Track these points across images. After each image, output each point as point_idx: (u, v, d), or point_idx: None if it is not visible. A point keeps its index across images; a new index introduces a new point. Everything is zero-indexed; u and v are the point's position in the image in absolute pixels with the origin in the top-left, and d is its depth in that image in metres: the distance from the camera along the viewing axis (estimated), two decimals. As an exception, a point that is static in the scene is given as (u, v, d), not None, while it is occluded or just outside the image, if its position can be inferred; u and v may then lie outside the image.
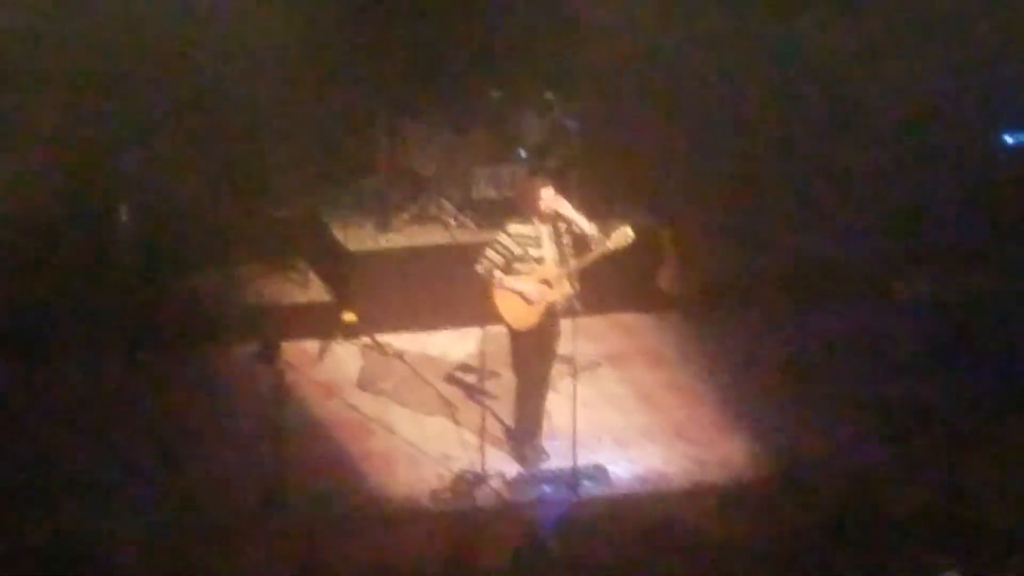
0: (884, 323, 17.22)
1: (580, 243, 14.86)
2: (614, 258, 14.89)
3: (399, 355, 16.65)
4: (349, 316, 16.76)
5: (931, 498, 13.93)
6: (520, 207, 14.92)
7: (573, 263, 14.75)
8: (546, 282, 14.74)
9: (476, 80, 17.93)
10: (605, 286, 15.93)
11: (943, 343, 16.71)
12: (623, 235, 14.65)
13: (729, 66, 18.55)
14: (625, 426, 15.75)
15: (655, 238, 17.14)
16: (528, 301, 14.76)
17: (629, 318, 17.41)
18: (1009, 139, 18.66)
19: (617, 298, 17.13)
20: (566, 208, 14.77)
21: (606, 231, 14.79)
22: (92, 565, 13.05)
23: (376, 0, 18.09)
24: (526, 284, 14.74)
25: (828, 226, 18.10)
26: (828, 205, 18.25)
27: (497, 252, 14.76)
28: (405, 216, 17.50)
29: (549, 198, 14.73)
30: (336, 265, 17.32)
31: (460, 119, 17.67)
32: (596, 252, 14.71)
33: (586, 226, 14.71)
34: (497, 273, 14.73)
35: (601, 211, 16.67)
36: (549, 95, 17.66)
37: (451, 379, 16.35)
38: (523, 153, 17.48)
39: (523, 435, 15.16)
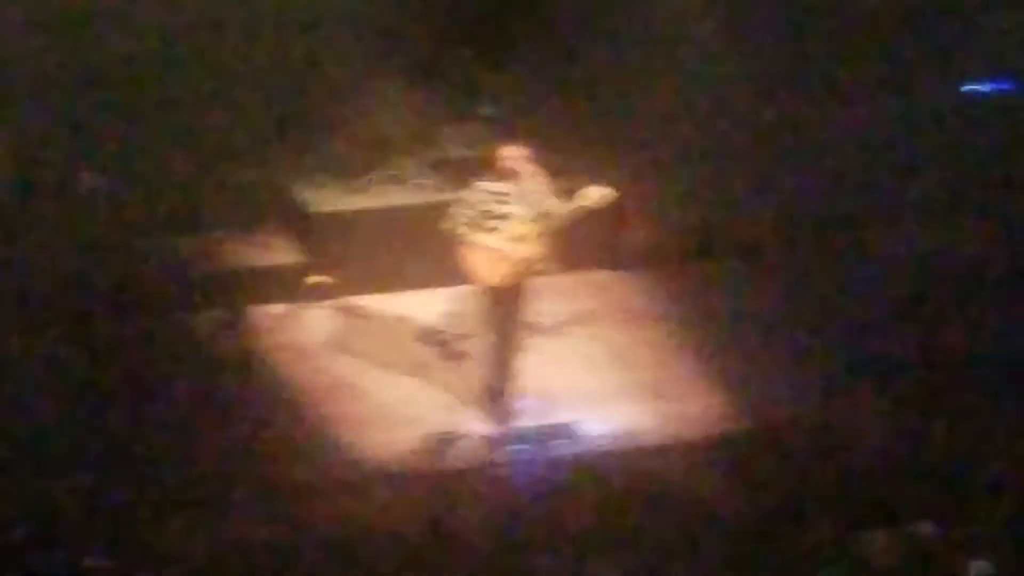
0: (852, 279, 17.22)
1: (553, 202, 14.98)
2: (587, 216, 15.06)
3: (368, 317, 16.74)
4: (316, 278, 16.87)
5: (899, 450, 14.04)
6: (489, 165, 15.05)
7: (547, 221, 14.90)
8: (515, 239, 14.90)
9: (444, 37, 17.97)
10: (577, 243, 15.96)
11: (912, 299, 16.73)
12: (599, 192, 14.85)
13: (698, 32, 18.63)
14: (597, 384, 15.80)
15: (622, 197, 16.60)
16: (496, 258, 14.88)
17: (600, 276, 17.50)
18: (975, 89, 18.74)
19: (588, 255, 17.23)
20: (530, 168, 14.98)
21: (582, 187, 14.97)
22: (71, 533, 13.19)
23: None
24: (496, 239, 14.90)
25: (799, 184, 18.10)
26: (798, 163, 18.24)
27: (467, 208, 14.91)
28: (371, 176, 17.58)
29: (519, 157, 14.96)
30: (302, 227, 17.34)
31: (426, 76, 17.75)
32: (573, 207, 14.86)
33: (547, 186, 14.97)
34: (466, 228, 14.88)
35: (568, 169, 16.65)
36: (517, 50, 17.79)
37: (422, 341, 16.38)
38: (490, 110, 17.65)
39: (495, 394, 15.27)
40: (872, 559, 12.69)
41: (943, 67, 18.86)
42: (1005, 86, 18.91)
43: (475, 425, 15.23)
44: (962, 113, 18.74)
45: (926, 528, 12.82)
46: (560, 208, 14.96)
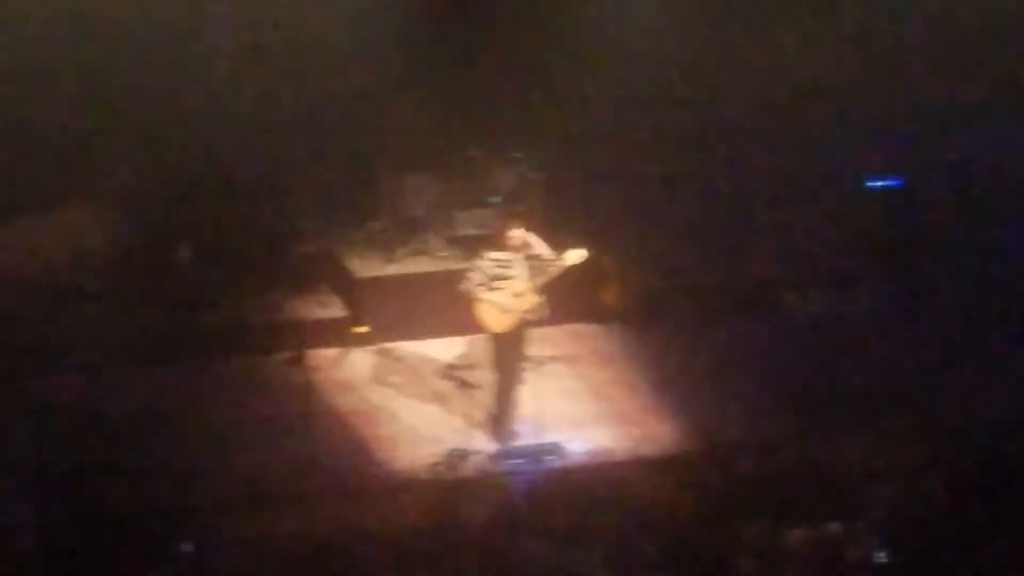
0: (781, 330, 17.18)
1: (544, 266, 14.93)
2: (571, 276, 15.01)
3: (400, 358, 16.65)
4: (361, 328, 16.78)
5: (820, 465, 13.95)
6: (496, 240, 15.03)
7: (539, 279, 14.84)
8: (517, 295, 14.86)
9: (459, 141, 17.90)
10: (563, 302, 15.86)
11: (827, 347, 16.66)
12: (577, 254, 14.83)
13: (652, 136, 18.64)
14: (579, 412, 15.73)
15: (600, 264, 17.04)
16: (503, 310, 14.87)
17: (582, 327, 17.35)
18: (872, 184, 18.58)
19: (573, 312, 17.06)
20: (533, 239, 14.90)
21: (563, 253, 14.91)
22: (165, 527, 13.09)
23: (380, 83, 18.12)
24: (502, 297, 14.85)
25: (739, 255, 18.02)
26: (736, 240, 18.16)
27: (478, 273, 14.86)
28: (404, 250, 17.52)
29: (518, 234, 14.88)
30: (350, 289, 17.28)
31: (446, 173, 17.68)
32: (557, 268, 14.82)
33: (546, 251, 14.87)
34: (478, 288, 14.81)
35: (558, 242, 16.77)
36: (517, 154, 17.74)
37: (442, 376, 16.30)
38: (496, 199, 17.51)
39: (499, 420, 15.19)
40: (793, 552, 12.34)
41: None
42: (895, 182, 18.68)
43: (483, 443, 15.17)
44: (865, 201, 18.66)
45: (835, 527, 12.60)
46: (548, 267, 14.91)
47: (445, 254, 17.45)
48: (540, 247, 14.95)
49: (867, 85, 19.01)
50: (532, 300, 14.88)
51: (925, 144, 18.90)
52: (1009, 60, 19.31)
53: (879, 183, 18.57)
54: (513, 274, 14.87)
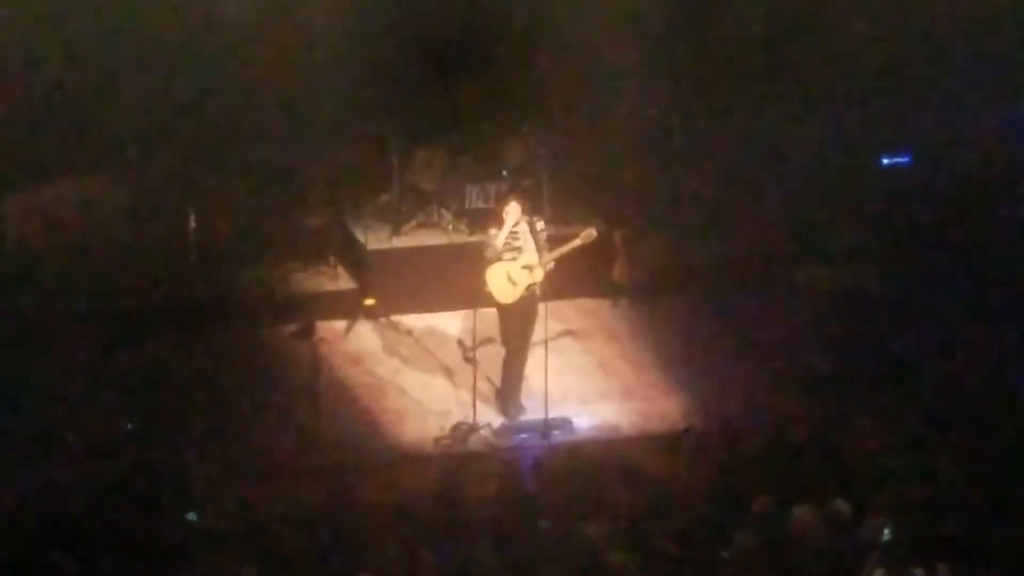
0: (788, 307, 17.09)
1: (554, 240, 15.07)
2: (581, 253, 15.12)
3: (408, 331, 16.65)
4: (369, 301, 16.77)
5: (827, 442, 13.88)
6: (497, 213, 15.10)
7: (548, 254, 14.91)
8: (526, 268, 14.91)
9: (469, 115, 17.86)
10: (572, 277, 15.97)
11: (834, 323, 16.62)
12: (588, 234, 14.95)
13: (661, 111, 18.57)
14: (586, 388, 15.79)
15: (609, 240, 17.08)
16: (511, 281, 14.90)
17: (590, 302, 17.32)
18: (885, 160, 18.62)
19: (581, 287, 17.05)
20: (538, 220, 15.03)
21: (576, 231, 15.07)
22: (172, 496, 13.06)
23: (390, 57, 17.97)
24: (510, 269, 14.89)
25: (747, 231, 17.93)
26: (747, 215, 18.06)
27: (488, 246, 14.92)
28: (413, 222, 17.45)
29: (515, 207, 14.93)
30: (359, 261, 17.27)
31: (456, 146, 17.65)
32: (568, 246, 14.95)
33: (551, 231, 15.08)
34: (487, 262, 14.85)
35: (567, 218, 16.84)
36: (526, 127, 17.66)
37: (450, 350, 16.28)
38: (505, 173, 17.45)
39: (507, 394, 15.23)
40: (799, 528, 12.29)
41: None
42: (905, 159, 18.62)
43: (491, 418, 15.18)
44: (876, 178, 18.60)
45: (841, 505, 12.46)
46: (553, 247, 15.03)
47: (454, 227, 17.37)
48: (545, 227, 15.04)
49: (879, 59, 18.87)
50: (539, 275, 14.91)
51: (935, 122, 18.79)
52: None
53: (889, 160, 18.54)
54: (522, 246, 14.91)
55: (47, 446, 14.22)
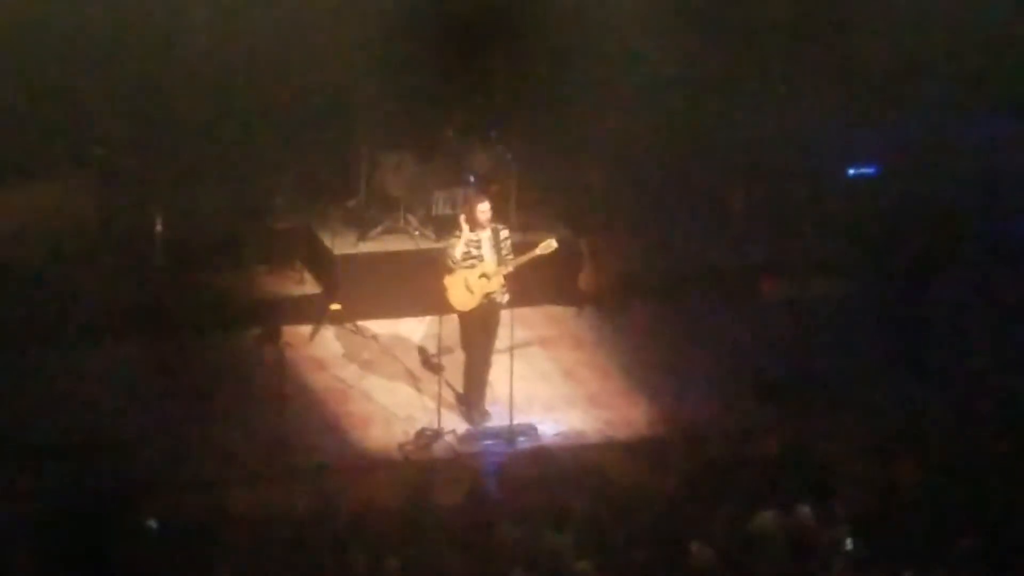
0: (753, 315, 17.11)
1: (518, 247, 15.05)
2: (547, 260, 15.10)
3: (374, 336, 16.60)
4: (335, 306, 16.69)
5: (791, 450, 13.90)
6: (466, 216, 15.03)
7: (509, 263, 14.89)
8: (484, 276, 14.88)
9: (436, 121, 17.79)
10: (537, 284, 16.00)
11: (799, 332, 16.60)
12: (548, 244, 14.95)
13: (630, 120, 18.55)
14: (551, 394, 15.77)
15: (575, 247, 17.10)
16: (469, 290, 14.87)
17: (556, 310, 17.27)
18: (852, 171, 18.59)
19: (546, 294, 17.01)
20: (501, 227, 15.02)
21: (536, 241, 15.06)
22: (143, 503, 12.99)
23: (358, 62, 18.04)
24: (470, 277, 14.85)
25: (713, 240, 17.97)
26: (711, 227, 18.12)
27: (449, 254, 14.88)
28: (380, 228, 17.37)
29: (486, 208, 14.91)
30: (326, 266, 17.20)
31: (423, 152, 17.55)
32: (527, 256, 14.95)
33: (513, 239, 15.06)
34: (448, 270, 14.83)
35: (533, 225, 16.92)
36: (494, 134, 17.60)
37: (415, 356, 16.23)
38: (472, 179, 17.36)
39: (471, 400, 15.21)
40: (762, 534, 12.30)
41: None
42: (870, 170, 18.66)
43: (456, 424, 15.15)
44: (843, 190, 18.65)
45: (804, 511, 12.47)
46: (518, 254, 15.02)
47: (421, 233, 17.32)
48: (508, 235, 15.03)
49: (850, 68, 18.95)
50: (499, 282, 14.91)
51: (907, 132, 18.88)
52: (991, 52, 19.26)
53: (855, 170, 18.55)
54: (482, 255, 14.88)
55: (9, 449, 14.12)
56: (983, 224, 18.19)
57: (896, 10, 19.29)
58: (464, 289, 14.92)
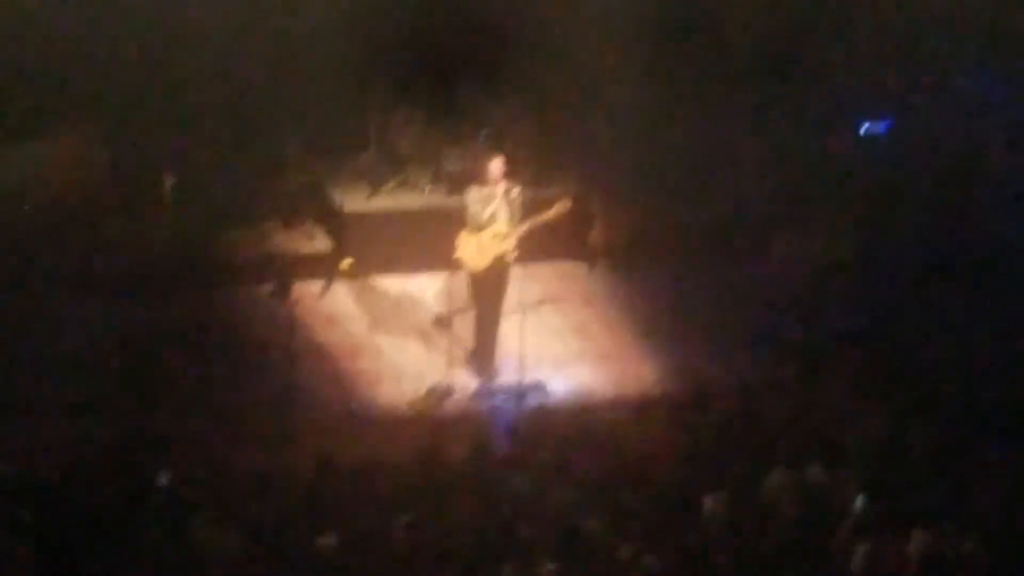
0: (765, 274, 17.05)
1: (530, 205, 15.00)
2: (556, 221, 15.08)
3: (385, 293, 16.57)
4: (346, 263, 16.65)
5: (798, 409, 13.95)
6: (478, 173, 15.02)
7: (521, 223, 14.84)
8: (497, 236, 14.83)
9: (450, 77, 17.67)
10: (549, 240, 15.86)
11: (811, 291, 16.56)
12: (563, 205, 14.93)
13: (640, 74, 18.30)
14: (561, 351, 15.76)
15: (587, 204, 17.08)
16: (482, 249, 14.83)
17: (567, 266, 17.28)
18: (861, 131, 18.51)
19: (559, 250, 16.97)
20: (514, 188, 14.90)
21: (551, 197, 15.07)
22: (146, 457, 12.98)
23: (372, 21, 17.83)
24: (481, 236, 14.81)
25: (724, 198, 17.88)
26: (724, 182, 17.99)
27: (460, 211, 14.86)
28: (390, 185, 17.36)
29: (498, 165, 14.84)
30: (336, 222, 17.21)
31: (435, 109, 17.51)
32: (541, 217, 14.92)
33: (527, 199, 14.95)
34: (459, 227, 14.81)
35: (545, 181, 16.86)
36: (506, 91, 17.52)
37: (425, 312, 16.21)
38: (484, 136, 17.27)
39: (481, 357, 15.20)
40: (772, 494, 12.28)
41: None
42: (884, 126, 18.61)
43: (466, 380, 15.15)
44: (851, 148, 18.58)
45: (815, 471, 12.49)
46: (529, 213, 14.97)
47: (432, 190, 17.29)
48: (520, 193, 14.94)
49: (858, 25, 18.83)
50: (510, 243, 14.86)
51: (913, 88, 18.79)
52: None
53: (868, 126, 18.49)
54: (496, 213, 14.82)
55: (18, 404, 14.14)
56: (995, 178, 18.11)
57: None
58: (477, 249, 14.89)
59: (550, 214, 14.91)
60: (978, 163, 18.22)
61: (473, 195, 14.88)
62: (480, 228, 14.82)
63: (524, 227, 14.87)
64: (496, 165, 14.87)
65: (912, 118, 18.57)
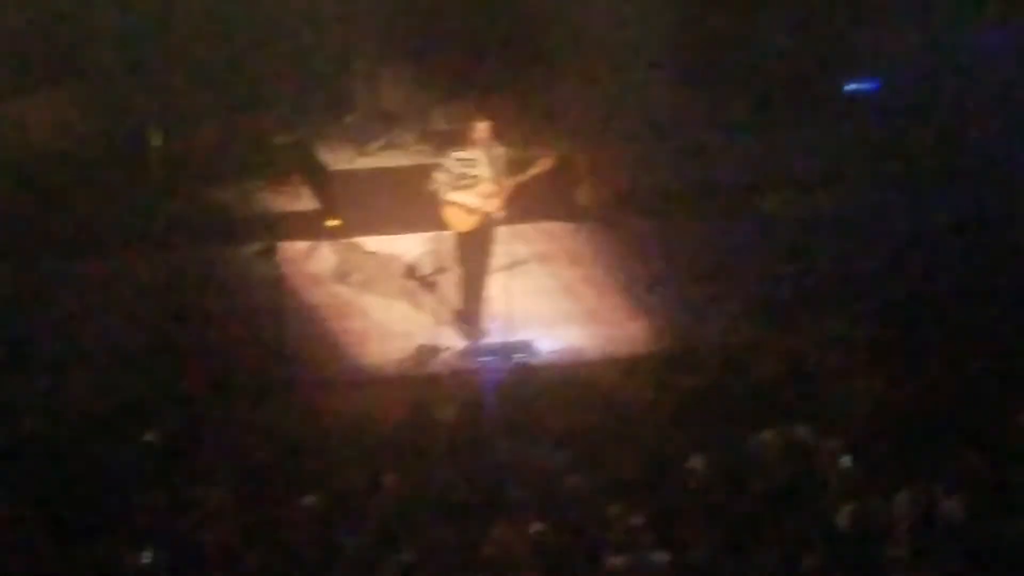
0: (754, 233, 16.98)
1: (516, 163, 15.00)
2: (546, 176, 15.08)
3: (371, 253, 16.53)
4: (333, 222, 16.63)
5: (782, 370, 13.92)
6: (464, 134, 15.01)
7: (506, 181, 14.83)
8: (482, 196, 14.84)
9: (437, 37, 17.65)
10: (536, 200, 15.89)
11: (795, 251, 16.48)
12: (546, 162, 14.96)
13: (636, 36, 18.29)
14: (550, 311, 15.70)
15: (573, 162, 17.04)
16: (467, 210, 14.85)
17: (554, 225, 17.20)
18: (850, 87, 18.50)
19: (545, 210, 16.92)
20: (499, 146, 14.94)
21: (533, 158, 15.07)
22: (133, 417, 12.97)
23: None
24: (467, 196, 14.82)
25: (710, 154, 17.80)
26: (708, 139, 17.93)
27: (445, 172, 14.86)
28: (377, 143, 17.28)
29: (484, 127, 14.83)
30: (322, 181, 17.15)
31: (422, 66, 17.49)
32: (526, 174, 14.92)
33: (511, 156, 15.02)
34: (444, 188, 14.82)
35: (533, 138, 16.80)
36: (493, 48, 17.48)
37: (412, 272, 16.19)
38: (470, 94, 17.24)
39: (468, 317, 15.19)
40: (759, 454, 12.31)
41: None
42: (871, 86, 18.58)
43: (453, 340, 15.15)
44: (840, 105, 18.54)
45: (802, 431, 12.49)
46: (515, 173, 14.96)
47: (419, 148, 17.23)
48: (505, 153, 14.96)
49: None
50: (498, 201, 14.84)
51: (902, 46, 18.73)
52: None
53: (855, 86, 18.45)
54: (480, 173, 14.83)
55: (4, 362, 14.13)
56: (980, 138, 18.09)
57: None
58: (463, 209, 14.88)
59: (532, 172, 14.90)
60: (966, 124, 18.23)
61: (458, 155, 14.87)
62: (465, 188, 14.80)
63: (509, 184, 14.85)
64: (482, 126, 14.85)
65: (900, 77, 18.54)
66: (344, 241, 16.67)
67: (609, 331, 15.44)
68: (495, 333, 15.08)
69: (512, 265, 15.25)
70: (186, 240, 16.32)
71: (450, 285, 15.56)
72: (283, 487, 11.87)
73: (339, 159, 17.16)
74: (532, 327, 15.23)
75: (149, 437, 12.42)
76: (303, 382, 14.27)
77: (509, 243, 15.12)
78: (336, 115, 17.71)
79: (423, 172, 15.37)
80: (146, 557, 10.92)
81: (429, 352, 14.87)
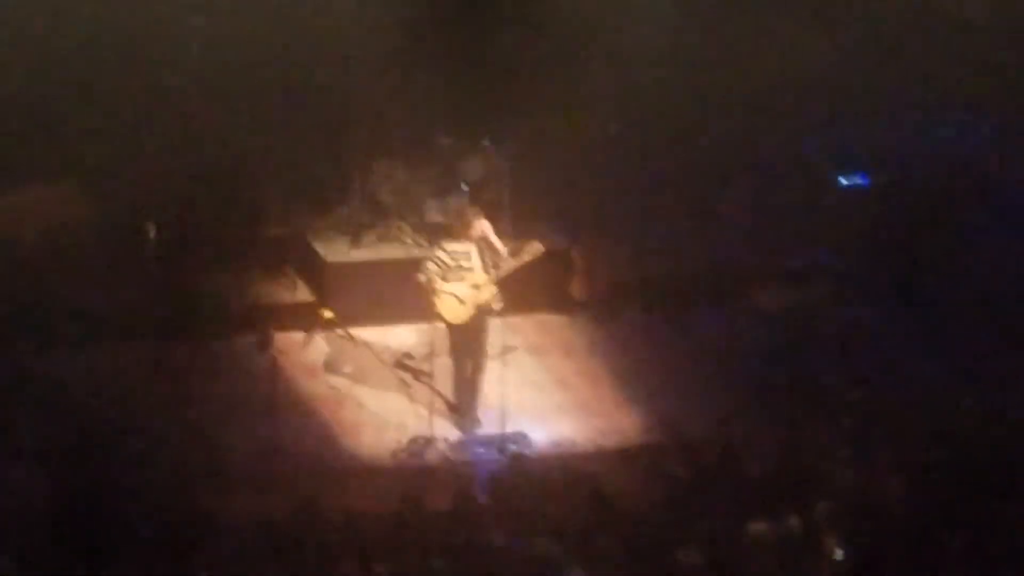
0: (746, 325, 17.08)
1: (500, 260, 15.10)
2: (537, 267, 15.18)
3: (366, 344, 16.55)
4: (327, 313, 16.63)
5: (779, 461, 13.86)
6: (458, 229, 15.15)
7: (496, 272, 14.96)
8: (475, 287, 14.95)
9: (429, 128, 17.82)
10: (529, 292, 16.02)
11: (791, 342, 16.57)
12: (535, 249, 15.06)
13: (622, 128, 18.59)
14: (543, 402, 15.78)
15: (567, 255, 17.20)
16: (460, 301, 14.95)
17: (548, 317, 17.26)
18: (843, 182, 18.58)
19: (539, 302, 17.02)
20: (490, 232, 15.10)
21: (523, 247, 15.14)
22: (134, 506, 12.91)
23: (352, 67, 18.06)
24: (458, 288, 14.93)
25: (706, 248, 17.99)
26: (703, 234, 18.12)
27: (435, 264, 14.97)
28: (372, 235, 17.42)
29: (478, 224, 14.99)
30: (317, 273, 17.22)
31: (416, 159, 17.58)
32: (514, 263, 15.03)
33: (500, 247, 15.10)
34: (435, 280, 14.92)
35: (524, 233, 16.67)
36: (486, 142, 17.58)
37: (405, 363, 16.23)
38: (464, 187, 17.33)
39: (462, 408, 15.24)
40: (753, 544, 12.33)
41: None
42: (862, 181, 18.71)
43: (448, 431, 15.19)
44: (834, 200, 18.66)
45: (795, 521, 12.49)
46: (506, 262, 15.09)
47: (414, 240, 17.31)
48: (497, 242, 15.09)
49: (844, 78, 18.99)
50: (489, 292, 14.94)
51: (899, 140, 18.92)
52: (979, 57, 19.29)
53: (847, 180, 18.57)
54: (471, 265, 14.96)
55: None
56: (976, 229, 18.18)
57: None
58: (456, 301, 14.97)
59: (525, 258, 15.01)
60: (957, 211, 18.35)
61: (450, 247, 15.00)
62: (458, 280, 14.92)
63: (501, 274, 14.94)
64: (475, 218, 15.00)
65: (891, 169, 18.66)
66: (338, 332, 16.66)
67: (602, 423, 15.47)
68: (488, 424, 15.13)
69: (505, 356, 15.27)
70: (181, 332, 16.26)
71: (444, 376, 15.58)
72: (277, 576, 11.87)
73: (333, 251, 17.23)
74: (525, 418, 15.28)
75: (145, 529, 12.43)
76: (299, 473, 14.26)
77: (503, 335, 15.17)
78: (331, 207, 17.79)
79: (417, 264, 15.46)
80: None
81: (423, 443, 14.88)
